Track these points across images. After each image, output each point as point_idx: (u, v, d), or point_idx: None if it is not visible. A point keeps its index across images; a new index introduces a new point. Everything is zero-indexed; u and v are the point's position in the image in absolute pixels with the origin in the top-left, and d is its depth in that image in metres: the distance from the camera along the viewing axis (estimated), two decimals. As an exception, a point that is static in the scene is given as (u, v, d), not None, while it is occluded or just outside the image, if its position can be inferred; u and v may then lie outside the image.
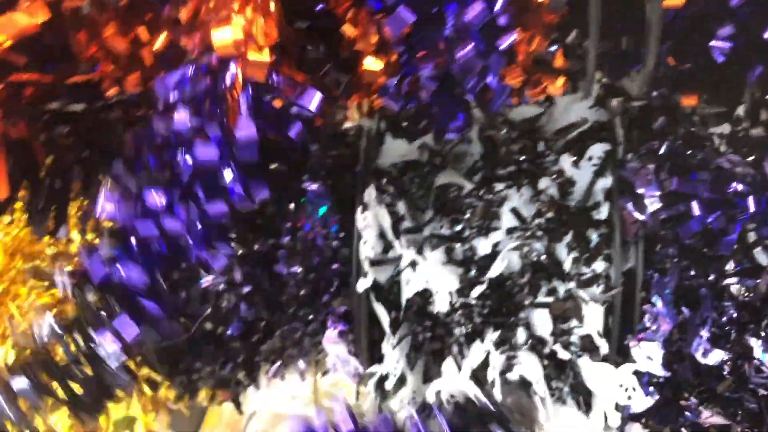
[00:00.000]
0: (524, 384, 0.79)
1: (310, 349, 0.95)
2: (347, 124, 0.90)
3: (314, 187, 0.88)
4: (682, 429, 0.76)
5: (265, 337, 0.95)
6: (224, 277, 0.85)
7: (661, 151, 0.66)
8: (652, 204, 0.72)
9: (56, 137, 0.57)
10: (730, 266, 0.73)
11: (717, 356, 0.74)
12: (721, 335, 0.74)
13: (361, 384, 0.93)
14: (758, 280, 0.73)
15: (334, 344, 0.90)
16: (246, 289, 0.86)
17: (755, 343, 0.72)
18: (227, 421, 1.70)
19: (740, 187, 0.58)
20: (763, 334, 0.72)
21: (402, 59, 0.55)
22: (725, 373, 0.76)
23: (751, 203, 0.58)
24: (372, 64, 0.51)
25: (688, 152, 0.64)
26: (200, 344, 0.95)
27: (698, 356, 0.72)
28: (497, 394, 0.76)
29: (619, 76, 0.50)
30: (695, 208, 0.59)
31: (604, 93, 0.75)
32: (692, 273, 0.75)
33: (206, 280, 0.85)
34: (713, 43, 0.46)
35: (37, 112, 0.52)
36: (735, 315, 0.74)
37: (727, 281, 0.74)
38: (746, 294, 0.73)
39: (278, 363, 0.97)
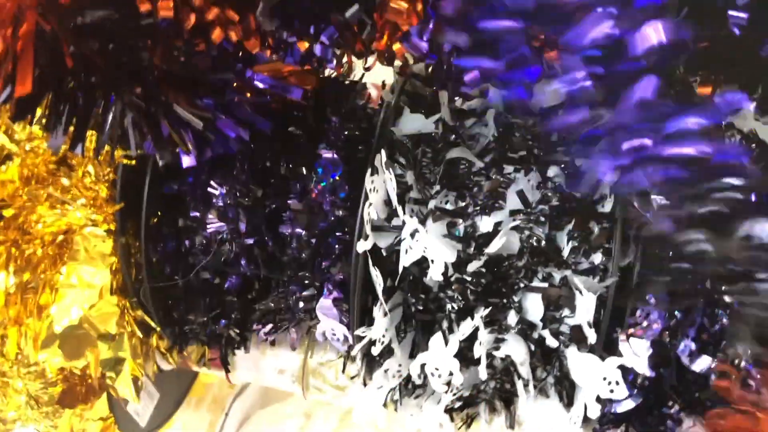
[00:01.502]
0: (509, 367, 0.80)
1: (302, 316, 0.96)
2: (366, 90, 0.92)
3: (329, 155, 0.89)
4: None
5: (261, 295, 0.97)
6: (229, 225, 0.86)
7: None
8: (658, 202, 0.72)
9: (86, 51, 0.59)
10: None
11: (704, 363, 0.74)
12: (710, 342, 0.74)
13: (349, 354, 0.94)
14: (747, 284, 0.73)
15: (327, 312, 0.91)
16: (248, 241, 0.88)
17: (744, 353, 0.72)
18: (214, 396, 1.71)
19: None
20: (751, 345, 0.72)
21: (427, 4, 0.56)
22: (711, 382, 0.75)
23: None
24: (398, 2, 0.53)
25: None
26: (196, 294, 0.97)
27: (684, 359, 0.72)
28: (482, 372, 0.76)
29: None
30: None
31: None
32: (688, 276, 0.75)
33: (211, 226, 0.87)
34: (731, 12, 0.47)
35: (71, 17, 0.55)
36: (726, 322, 0.74)
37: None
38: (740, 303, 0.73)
39: (270, 325, 0.98)
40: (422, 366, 0.80)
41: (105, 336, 0.96)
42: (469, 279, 0.78)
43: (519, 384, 0.79)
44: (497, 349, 0.77)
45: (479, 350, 0.76)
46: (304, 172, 0.91)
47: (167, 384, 1.31)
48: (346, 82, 0.94)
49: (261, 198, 0.89)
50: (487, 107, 0.83)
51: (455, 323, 0.80)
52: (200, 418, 1.56)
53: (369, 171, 0.77)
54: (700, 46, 0.53)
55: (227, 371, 1.07)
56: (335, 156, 0.89)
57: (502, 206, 0.78)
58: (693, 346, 0.71)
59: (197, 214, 0.89)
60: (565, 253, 0.77)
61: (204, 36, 0.65)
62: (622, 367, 0.74)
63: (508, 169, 0.80)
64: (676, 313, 0.75)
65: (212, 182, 0.85)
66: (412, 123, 0.81)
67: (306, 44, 0.67)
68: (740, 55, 0.51)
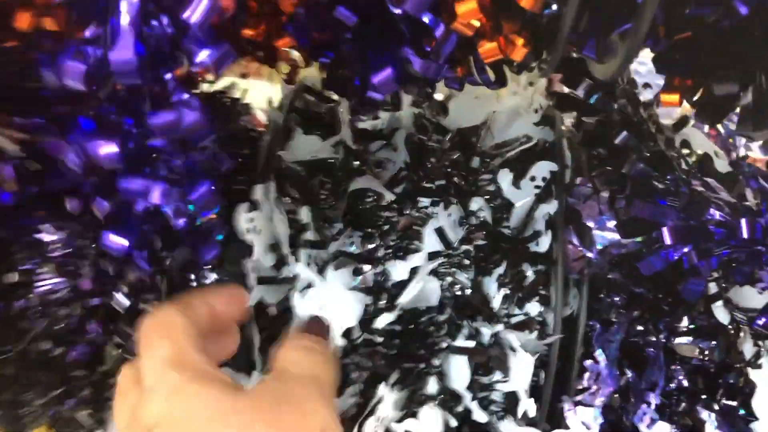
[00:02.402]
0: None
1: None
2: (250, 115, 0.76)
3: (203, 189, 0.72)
4: None
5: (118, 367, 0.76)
6: (69, 282, 0.67)
7: (624, 170, 0.54)
8: (603, 238, 0.60)
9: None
10: (684, 323, 0.62)
11: (662, 430, 0.61)
12: (668, 404, 0.61)
13: None
14: (713, 342, 0.61)
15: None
16: (95, 302, 0.68)
17: (707, 417, 0.60)
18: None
19: (718, 214, 0.47)
20: (716, 407, 0.60)
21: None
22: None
23: (730, 233, 0.47)
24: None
25: (654, 174, 0.53)
26: (33, 369, 0.75)
27: (642, 428, 0.59)
28: None
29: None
30: (666, 236, 0.48)
31: (555, 102, 0.64)
32: (639, 328, 0.63)
33: (44, 283, 0.66)
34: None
35: None
36: (686, 382, 0.62)
37: (679, 340, 0.62)
38: (701, 357, 0.61)
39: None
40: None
41: None
42: (379, 340, 0.63)
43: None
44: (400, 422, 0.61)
45: (373, 425, 0.60)
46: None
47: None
48: (224, 100, 0.77)
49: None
50: (395, 127, 0.69)
51: (360, 396, 0.64)
52: None
53: (246, 206, 0.60)
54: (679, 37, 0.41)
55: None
56: (212, 188, 0.71)
57: (418, 248, 0.63)
58: (653, 415, 0.59)
59: (29, 266, 0.69)
60: (496, 303, 0.63)
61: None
62: (568, 443, 0.60)
63: (424, 202, 0.66)
64: (627, 371, 0.62)
65: (44, 225, 0.65)
66: (306, 146, 0.66)
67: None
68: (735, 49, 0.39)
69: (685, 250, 0.50)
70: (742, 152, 0.73)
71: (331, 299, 0.60)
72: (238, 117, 0.77)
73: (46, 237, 0.66)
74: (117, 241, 0.59)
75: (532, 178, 0.64)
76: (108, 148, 0.54)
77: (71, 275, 0.67)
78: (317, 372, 0.47)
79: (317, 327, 0.57)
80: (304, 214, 0.64)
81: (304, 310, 0.59)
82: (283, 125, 0.68)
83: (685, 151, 0.58)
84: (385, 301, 0.63)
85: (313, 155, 0.66)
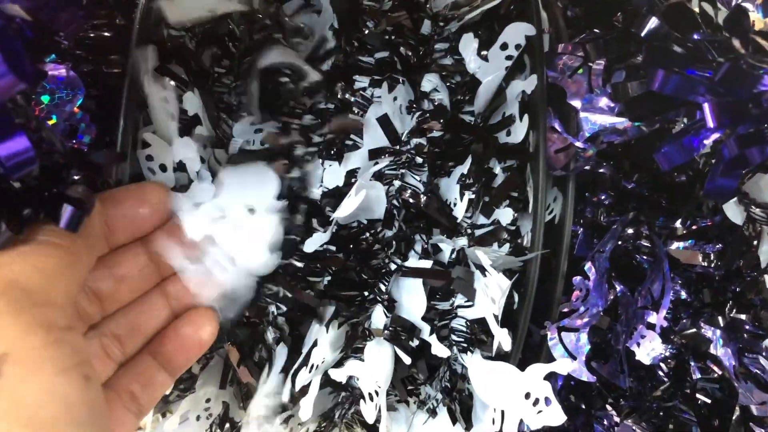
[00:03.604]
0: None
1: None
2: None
3: (59, 71, 0.53)
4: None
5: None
6: None
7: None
8: (593, 123, 0.46)
9: None
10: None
11: (655, 350, 0.51)
12: (666, 323, 0.51)
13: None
14: (719, 246, 0.50)
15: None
16: None
17: (712, 335, 0.50)
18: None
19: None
20: (722, 322, 0.50)
21: None
22: (662, 373, 0.53)
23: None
24: None
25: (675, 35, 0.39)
26: None
27: (640, 352, 0.49)
28: (305, 409, 0.47)
29: None
30: (708, 117, 0.34)
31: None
32: (630, 231, 0.51)
33: None
34: None
35: None
36: (684, 294, 0.51)
37: (677, 244, 0.51)
38: (705, 264, 0.50)
39: None
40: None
41: None
42: (305, 265, 0.48)
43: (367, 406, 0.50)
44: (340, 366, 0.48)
45: (306, 377, 0.46)
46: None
47: None
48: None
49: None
50: (318, -19, 0.51)
51: (282, 341, 0.50)
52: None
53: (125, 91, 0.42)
54: None
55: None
56: (71, 74, 0.52)
57: (355, 144, 0.48)
58: (650, 334, 0.48)
59: None
60: (458, 211, 0.49)
61: None
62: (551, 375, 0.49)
63: (361, 82, 0.49)
64: (616, 286, 0.51)
65: None
66: (195, 1, 0.47)
67: None
68: None
69: (717, 135, 0.37)
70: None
71: (231, 216, 0.44)
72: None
73: None
74: None
75: (503, 47, 0.48)
76: None
77: None
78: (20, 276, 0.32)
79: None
80: (192, 102, 0.47)
81: (195, 232, 0.42)
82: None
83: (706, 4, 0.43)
84: (312, 216, 0.48)
85: (206, 12, 0.47)
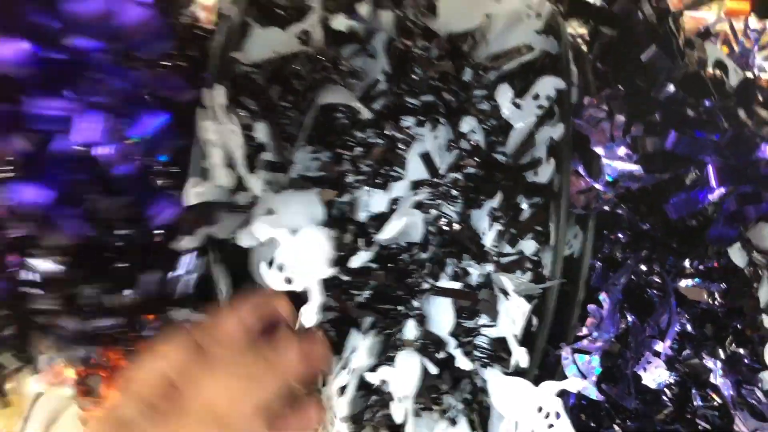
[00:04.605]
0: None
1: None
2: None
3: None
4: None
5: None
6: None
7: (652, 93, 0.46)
8: (613, 169, 0.52)
9: None
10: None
11: (661, 377, 0.56)
12: (671, 352, 0.56)
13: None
14: (722, 285, 0.55)
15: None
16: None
17: (713, 365, 0.55)
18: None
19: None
20: (723, 354, 0.55)
21: None
22: (666, 398, 0.58)
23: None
24: None
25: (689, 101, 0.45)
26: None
27: (646, 377, 0.54)
28: (342, 406, 0.53)
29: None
30: (711, 177, 0.40)
31: (567, 7, 0.54)
32: (643, 268, 0.57)
33: None
34: None
35: None
36: (690, 327, 0.56)
37: (685, 282, 0.56)
38: (710, 302, 0.55)
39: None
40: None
41: None
42: (350, 279, 0.54)
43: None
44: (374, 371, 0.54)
45: (345, 378, 0.52)
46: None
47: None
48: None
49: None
50: (372, 30, 0.57)
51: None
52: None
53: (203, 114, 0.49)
54: None
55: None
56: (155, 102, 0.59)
57: (399, 175, 0.54)
58: (656, 361, 0.53)
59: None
60: (486, 240, 0.55)
61: None
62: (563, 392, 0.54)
63: (407, 121, 0.56)
64: (628, 316, 0.56)
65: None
66: (264, 42, 0.54)
67: None
68: None
69: (721, 191, 0.43)
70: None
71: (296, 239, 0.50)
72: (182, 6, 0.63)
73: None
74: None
75: (535, 97, 0.54)
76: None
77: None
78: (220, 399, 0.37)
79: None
80: (261, 131, 0.53)
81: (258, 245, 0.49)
82: (238, 20, 0.56)
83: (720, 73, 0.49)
84: (357, 236, 0.54)
85: (272, 53, 0.54)
